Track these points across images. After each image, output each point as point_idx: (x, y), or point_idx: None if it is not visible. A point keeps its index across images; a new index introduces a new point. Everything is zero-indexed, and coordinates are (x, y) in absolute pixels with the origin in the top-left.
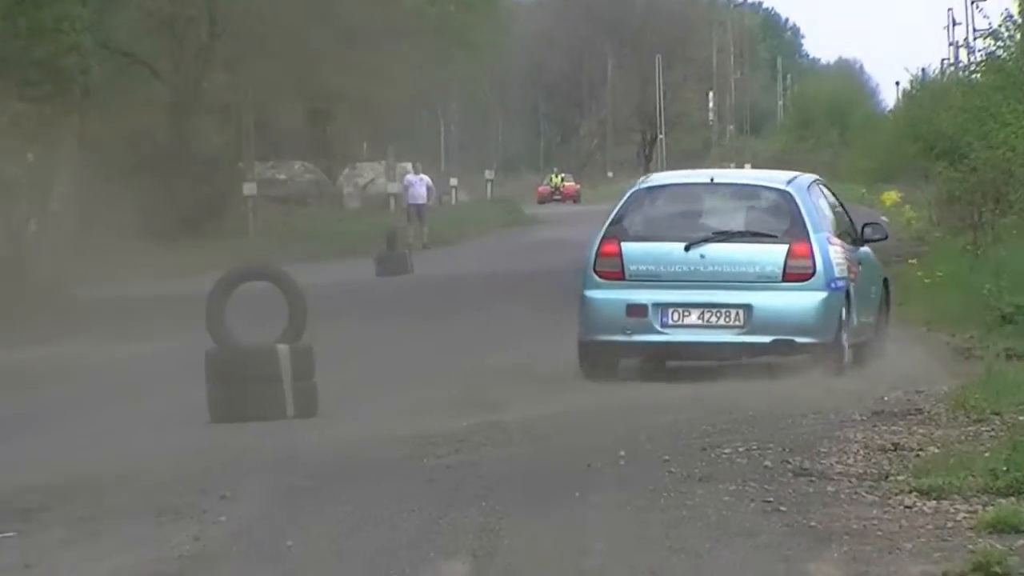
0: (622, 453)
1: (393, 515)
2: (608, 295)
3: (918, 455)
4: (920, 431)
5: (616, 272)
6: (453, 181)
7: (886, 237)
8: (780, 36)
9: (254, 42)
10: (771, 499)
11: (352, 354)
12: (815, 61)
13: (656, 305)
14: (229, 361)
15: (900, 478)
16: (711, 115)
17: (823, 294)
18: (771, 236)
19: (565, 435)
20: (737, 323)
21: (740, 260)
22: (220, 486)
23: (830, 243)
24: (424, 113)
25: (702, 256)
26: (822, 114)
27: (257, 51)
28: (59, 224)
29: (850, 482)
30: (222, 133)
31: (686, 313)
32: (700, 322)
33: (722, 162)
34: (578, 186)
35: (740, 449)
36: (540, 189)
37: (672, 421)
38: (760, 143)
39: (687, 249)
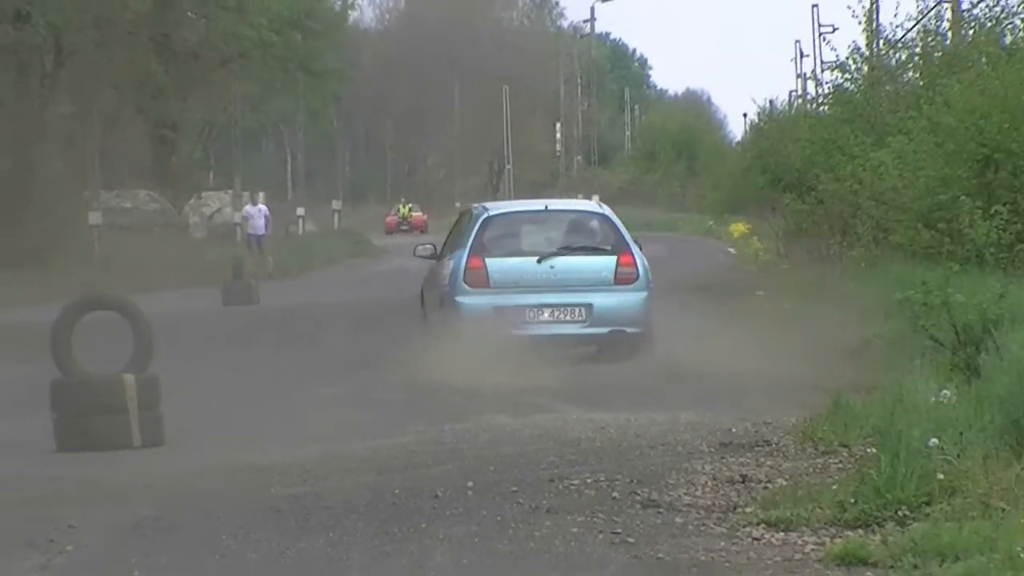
0: (470, 484)
1: (240, 545)
2: (477, 300)
3: (766, 487)
4: (768, 463)
5: (482, 282)
6: (300, 211)
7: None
8: (628, 67)
9: (99, 70)
10: (619, 530)
11: (198, 384)
12: (663, 92)
13: (517, 307)
14: (75, 390)
15: (748, 510)
16: (558, 146)
17: (645, 293)
18: (603, 249)
19: (411, 466)
20: (580, 318)
21: (581, 268)
22: (66, 515)
23: (641, 254)
24: (270, 142)
25: (551, 267)
26: (670, 145)
27: (101, 79)
28: None
29: (698, 513)
30: (66, 161)
31: (540, 312)
32: (551, 319)
33: (569, 193)
34: (425, 216)
35: (588, 480)
36: (388, 219)
37: (520, 452)
38: (608, 174)
39: (539, 262)
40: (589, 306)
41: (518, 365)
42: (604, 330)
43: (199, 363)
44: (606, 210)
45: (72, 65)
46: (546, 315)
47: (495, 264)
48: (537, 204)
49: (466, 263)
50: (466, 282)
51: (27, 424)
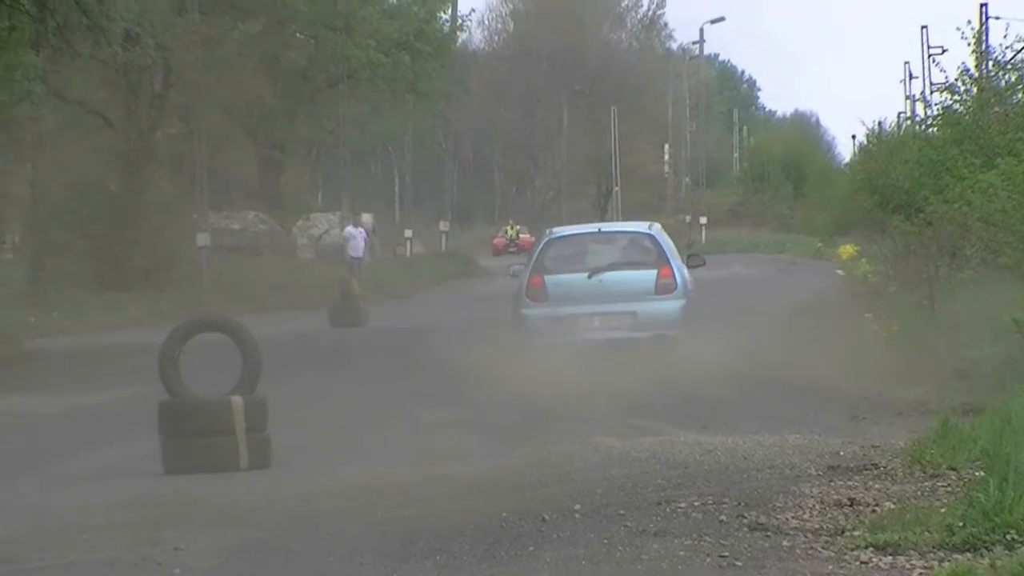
0: (577, 507)
1: (347, 568)
2: (537, 312)
3: (874, 510)
4: (876, 486)
5: (542, 296)
6: (408, 232)
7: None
8: (736, 88)
9: (207, 91)
10: (726, 554)
11: (306, 405)
12: (771, 114)
13: (571, 316)
14: (183, 412)
15: (856, 533)
16: (666, 167)
17: (683, 301)
18: (645, 264)
19: (519, 488)
20: (627, 325)
21: (626, 281)
22: (174, 538)
23: (683, 267)
24: (378, 163)
25: (600, 280)
26: (778, 167)
27: (210, 100)
28: (11, 274)
29: (806, 537)
30: (175, 183)
31: (591, 320)
32: (601, 326)
33: (677, 215)
34: (533, 238)
35: (695, 503)
36: (496, 241)
37: (627, 475)
38: (716, 196)
39: (589, 277)
40: (634, 314)
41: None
42: (647, 334)
43: (306, 385)
44: (654, 230)
45: (181, 86)
46: (596, 323)
47: (552, 280)
48: (592, 227)
49: (528, 280)
50: (528, 297)
51: (135, 446)
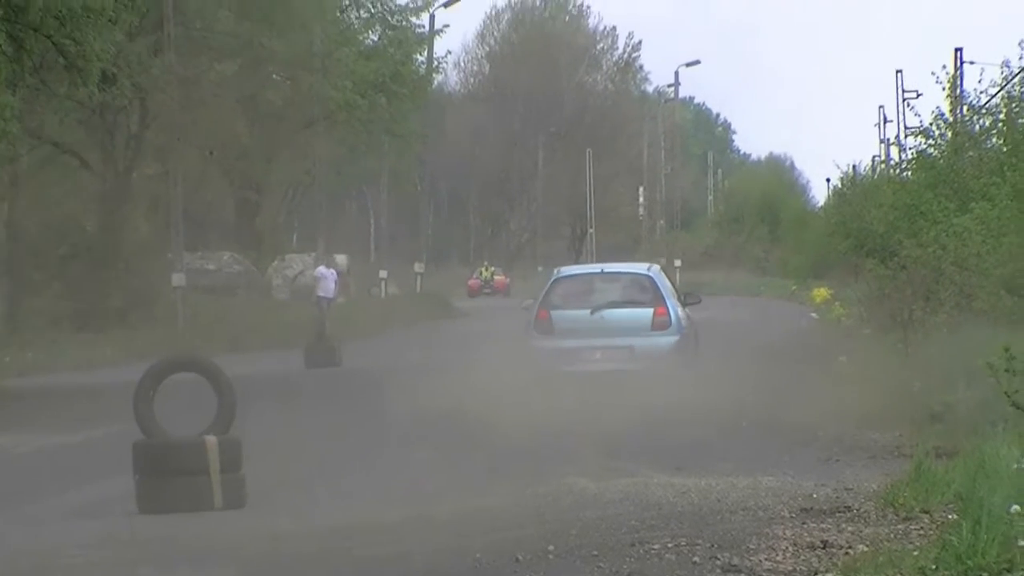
0: (551, 548)
1: None
2: (546, 343)
3: (847, 552)
4: (849, 528)
5: (549, 329)
6: (383, 273)
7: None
8: (711, 131)
9: (184, 131)
10: None
11: (281, 445)
12: (746, 156)
13: (575, 348)
14: (157, 452)
15: None
16: (641, 209)
17: (677, 337)
18: (643, 303)
19: (493, 529)
20: (625, 357)
21: (625, 318)
22: None
23: (677, 305)
24: (354, 205)
25: (602, 316)
26: (753, 210)
27: (187, 140)
28: None
29: None
30: (151, 223)
31: (593, 353)
32: (602, 358)
33: (652, 257)
34: (508, 279)
35: (669, 545)
36: (471, 282)
37: (601, 516)
38: (691, 238)
39: (592, 313)
40: (631, 348)
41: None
42: (642, 366)
43: (281, 425)
44: (652, 272)
45: (157, 127)
46: (598, 355)
47: (558, 315)
48: (596, 267)
49: (536, 315)
50: (536, 330)
51: (110, 486)
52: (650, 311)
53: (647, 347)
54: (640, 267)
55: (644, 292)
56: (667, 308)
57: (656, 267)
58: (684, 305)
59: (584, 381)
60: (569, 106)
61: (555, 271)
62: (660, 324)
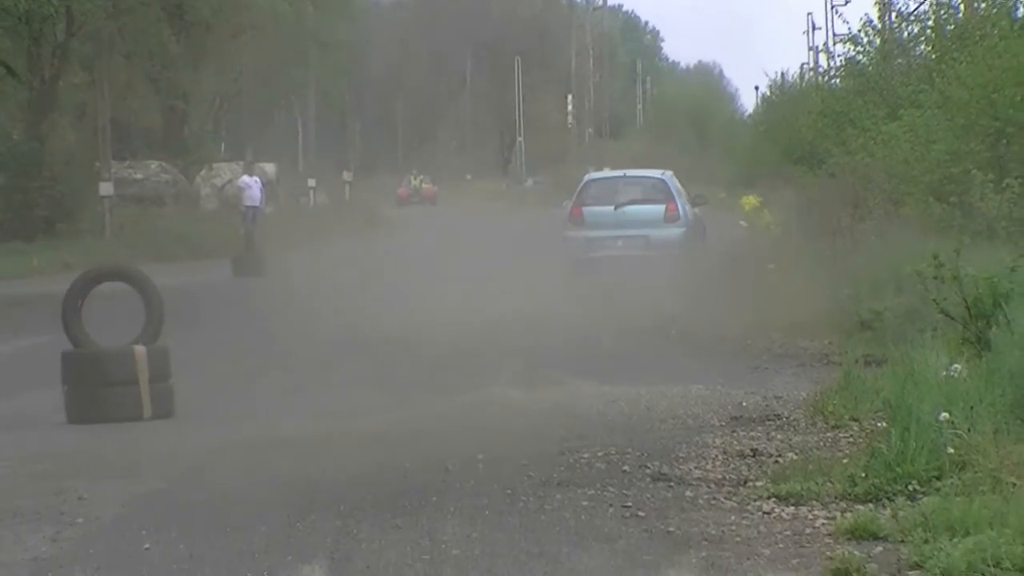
0: (480, 457)
1: (250, 519)
2: (578, 233)
3: (776, 461)
4: (779, 437)
5: (581, 222)
6: (311, 182)
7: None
8: (640, 39)
9: (111, 40)
10: (630, 504)
11: (209, 356)
12: (675, 64)
13: (601, 237)
14: (86, 362)
15: (759, 484)
16: (570, 118)
17: (684, 228)
18: (656, 200)
19: (422, 439)
20: (641, 245)
21: (642, 212)
22: (77, 488)
23: (687, 204)
24: (282, 114)
25: (623, 212)
26: (681, 118)
27: (113, 49)
28: None
29: (708, 488)
30: (78, 132)
31: (616, 241)
32: (623, 246)
33: (580, 164)
34: (436, 188)
35: (599, 454)
36: (400, 191)
37: (530, 425)
38: (619, 146)
39: (615, 209)
40: (647, 237)
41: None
42: (656, 253)
43: (210, 335)
44: (666, 176)
45: (84, 35)
46: (619, 243)
47: (588, 211)
48: (619, 172)
49: (570, 210)
50: (570, 222)
51: (38, 396)
52: (663, 207)
53: (660, 236)
54: (656, 172)
55: (656, 191)
56: (677, 205)
57: (670, 173)
58: (694, 205)
59: (608, 264)
60: (497, 15)
61: (586, 176)
62: (671, 217)
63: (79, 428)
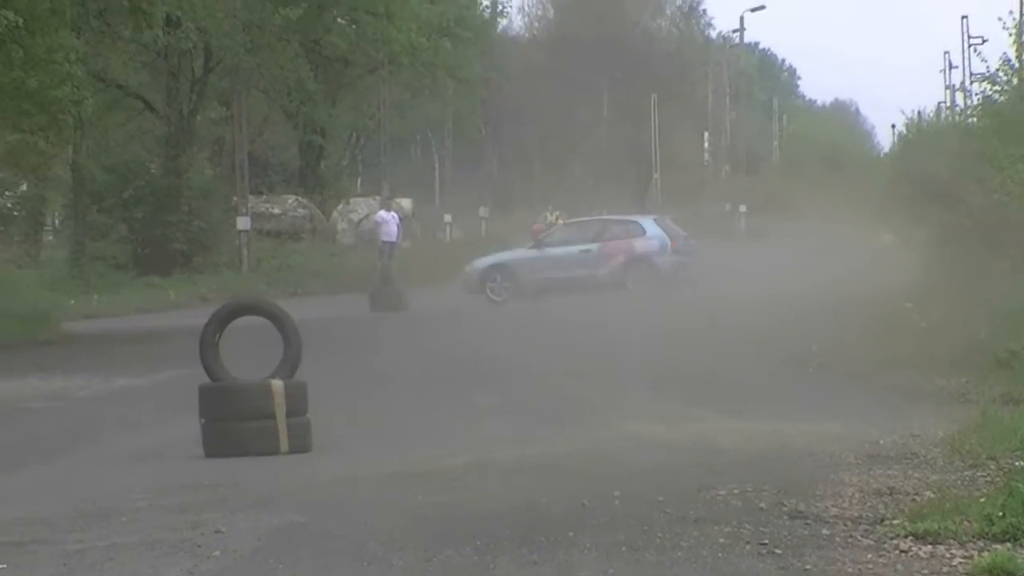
0: (616, 493)
1: (387, 551)
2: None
3: (914, 499)
4: (915, 475)
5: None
6: (447, 218)
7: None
8: (776, 77)
9: (248, 75)
10: (766, 541)
11: (346, 390)
12: (811, 102)
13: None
14: (223, 396)
15: (896, 522)
16: (706, 155)
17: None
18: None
19: (559, 474)
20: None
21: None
22: (214, 521)
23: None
24: (418, 149)
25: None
26: (817, 155)
27: (251, 84)
28: (52, 256)
29: (845, 525)
30: (216, 167)
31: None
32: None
33: (716, 201)
34: None
35: (735, 491)
36: (535, 227)
37: (667, 462)
38: (755, 183)
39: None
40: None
41: None
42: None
43: (347, 369)
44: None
45: (222, 70)
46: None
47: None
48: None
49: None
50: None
51: (176, 429)
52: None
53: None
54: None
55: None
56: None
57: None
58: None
59: None
60: (634, 51)
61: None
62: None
63: (216, 461)
